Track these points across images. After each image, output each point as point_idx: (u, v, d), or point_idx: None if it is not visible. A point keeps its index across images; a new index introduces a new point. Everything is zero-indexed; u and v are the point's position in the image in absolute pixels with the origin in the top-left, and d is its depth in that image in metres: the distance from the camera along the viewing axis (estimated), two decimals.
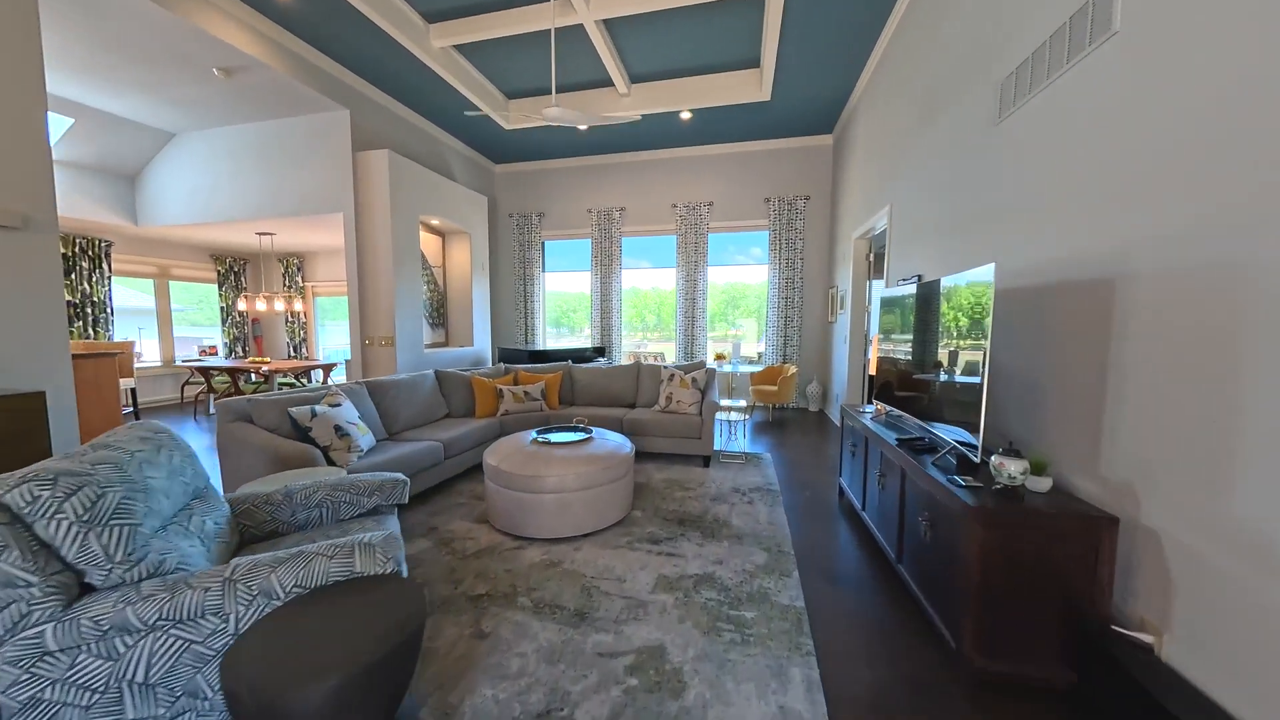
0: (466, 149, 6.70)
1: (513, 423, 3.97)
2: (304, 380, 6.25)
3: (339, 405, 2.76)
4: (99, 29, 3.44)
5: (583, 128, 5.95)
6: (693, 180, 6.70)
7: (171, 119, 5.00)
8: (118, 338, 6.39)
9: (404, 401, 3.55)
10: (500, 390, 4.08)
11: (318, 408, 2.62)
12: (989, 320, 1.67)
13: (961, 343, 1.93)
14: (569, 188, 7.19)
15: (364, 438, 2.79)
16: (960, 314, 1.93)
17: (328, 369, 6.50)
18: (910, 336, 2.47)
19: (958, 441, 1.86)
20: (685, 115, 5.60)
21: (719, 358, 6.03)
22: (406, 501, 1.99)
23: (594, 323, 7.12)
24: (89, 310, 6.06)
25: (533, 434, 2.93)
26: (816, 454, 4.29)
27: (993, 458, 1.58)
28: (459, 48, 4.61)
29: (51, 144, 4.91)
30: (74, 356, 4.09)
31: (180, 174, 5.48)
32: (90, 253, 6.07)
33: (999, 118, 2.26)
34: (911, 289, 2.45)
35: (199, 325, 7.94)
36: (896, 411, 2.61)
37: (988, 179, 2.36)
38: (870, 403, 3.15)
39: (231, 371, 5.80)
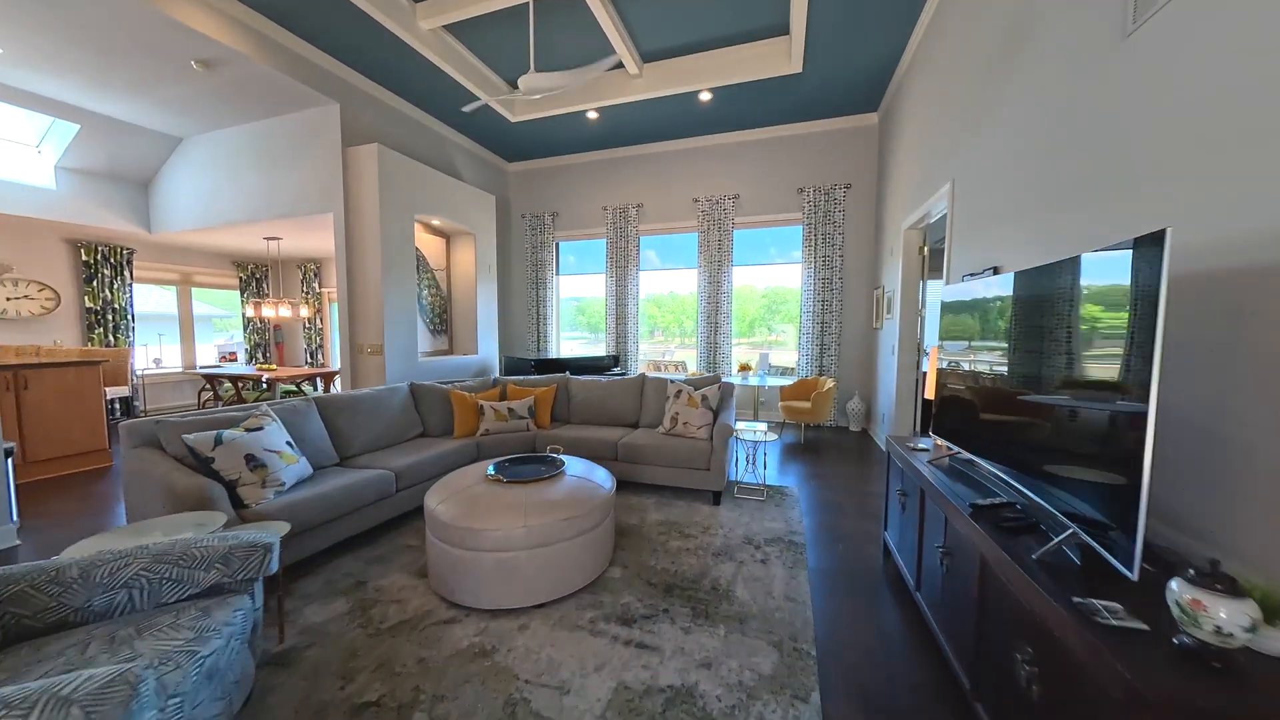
0: (477, 147, 6.36)
1: (492, 445, 3.46)
2: (303, 388, 6.04)
3: (259, 429, 2.32)
4: (56, 17, 3.24)
5: (592, 114, 5.44)
6: (716, 171, 6.04)
7: (169, 121, 4.89)
8: (139, 344, 6.46)
9: (363, 420, 3.10)
10: (481, 407, 3.58)
11: (227, 433, 2.18)
12: (1159, 320, 0.95)
13: (1096, 355, 1.20)
14: (583, 185, 6.71)
15: (289, 468, 2.33)
16: (1096, 310, 1.21)
17: (329, 376, 6.29)
18: (997, 346, 1.74)
19: (1080, 522, 1.14)
20: (705, 96, 4.98)
21: (743, 369, 5.32)
22: (273, 572, 1.48)
23: (609, 329, 6.57)
24: (109, 317, 6.12)
25: (490, 467, 2.38)
26: (856, 490, 3.51)
27: (1174, 584, 0.86)
28: (451, 29, 4.21)
29: (61, 150, 4.92)
30: (54, 365, 3.96)
31: (186, 179, 5.41)
32: (112, 260, 6.14)
33: (1132, 24, 1.50)
34: (999, 283, 1.72)
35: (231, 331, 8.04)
36: (965, 455, 1.87)
37: (1108, 123, 1.60)
38: (927, 435, 2.40)
39: (234, 379, 5.66)
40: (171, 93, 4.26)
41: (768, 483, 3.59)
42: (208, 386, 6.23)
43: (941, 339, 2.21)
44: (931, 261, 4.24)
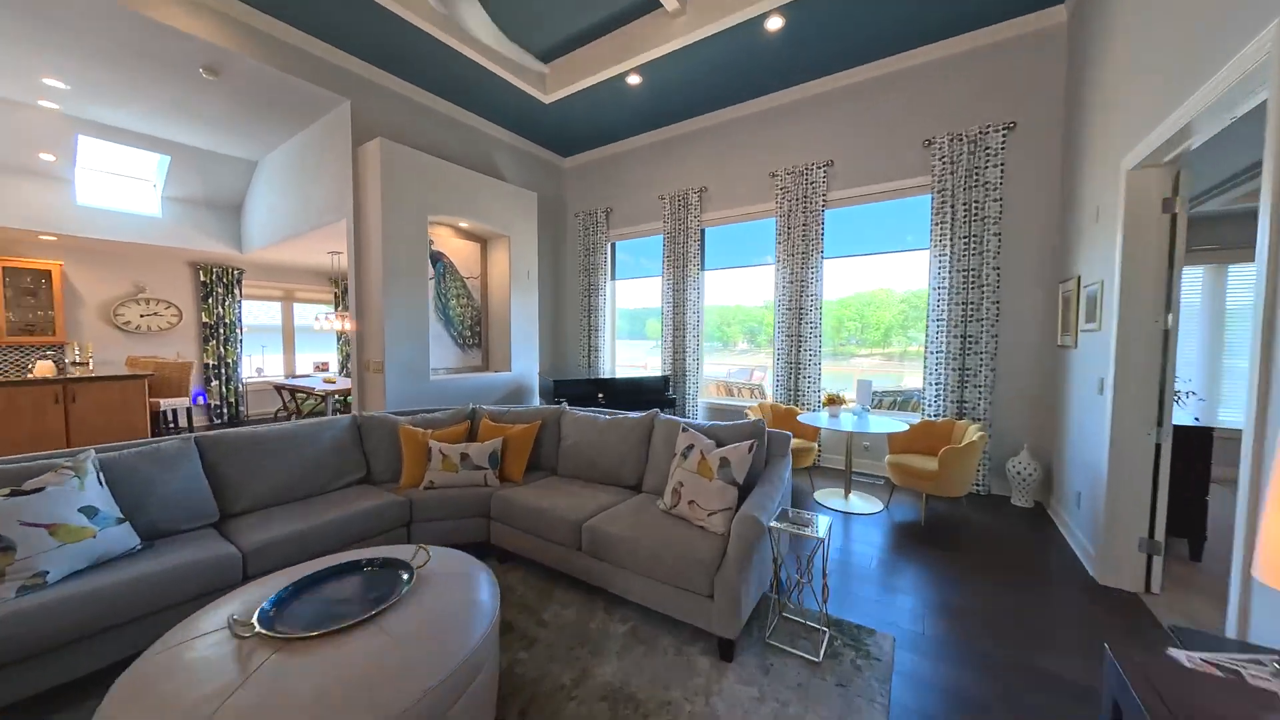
0: (523, 142, 5.76)
1: (431, 504, 2.56)
2: (348, 401, 5.94)
3: (39, 491, 1.69)
4: (69, 41, 3.24)
5: (633, 79, 4.38)
6: (799, 134, 4.54)
7: (234, 144, 5.09)
8: (246, 354, 7.14)
9: (270, 464, 2.43)
10: (430, 449, 2.72)
11: None
12: None
13: None
14: (638, 173, 5.69)
15: (70, 548, 1.66)
16: None
17: None
18: None
19: None
20: (773, 24, 3.60)
21: (831, 403, 3.72)
22: None
23: (664, 342, 5.41)
24: (221, 330, 6.82)
25: (270, 600, 1.42)
26: (1022, 664, 1.83)
27: None
28: None
29: (160, 181, 5.39)
30: (99, 379, 4.14)
31: (258, 200, 5.69)
32: (225, 280, 6.84)
33: None
34: None
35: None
36: None
37: None
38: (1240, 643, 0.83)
39: (293, 391, 5.76)
40: (206, 108, 4.29)
41: (834, 613, 2.09)
42: (301, 396, 6.54)
43: None
44: (1192, 233, 2.30)
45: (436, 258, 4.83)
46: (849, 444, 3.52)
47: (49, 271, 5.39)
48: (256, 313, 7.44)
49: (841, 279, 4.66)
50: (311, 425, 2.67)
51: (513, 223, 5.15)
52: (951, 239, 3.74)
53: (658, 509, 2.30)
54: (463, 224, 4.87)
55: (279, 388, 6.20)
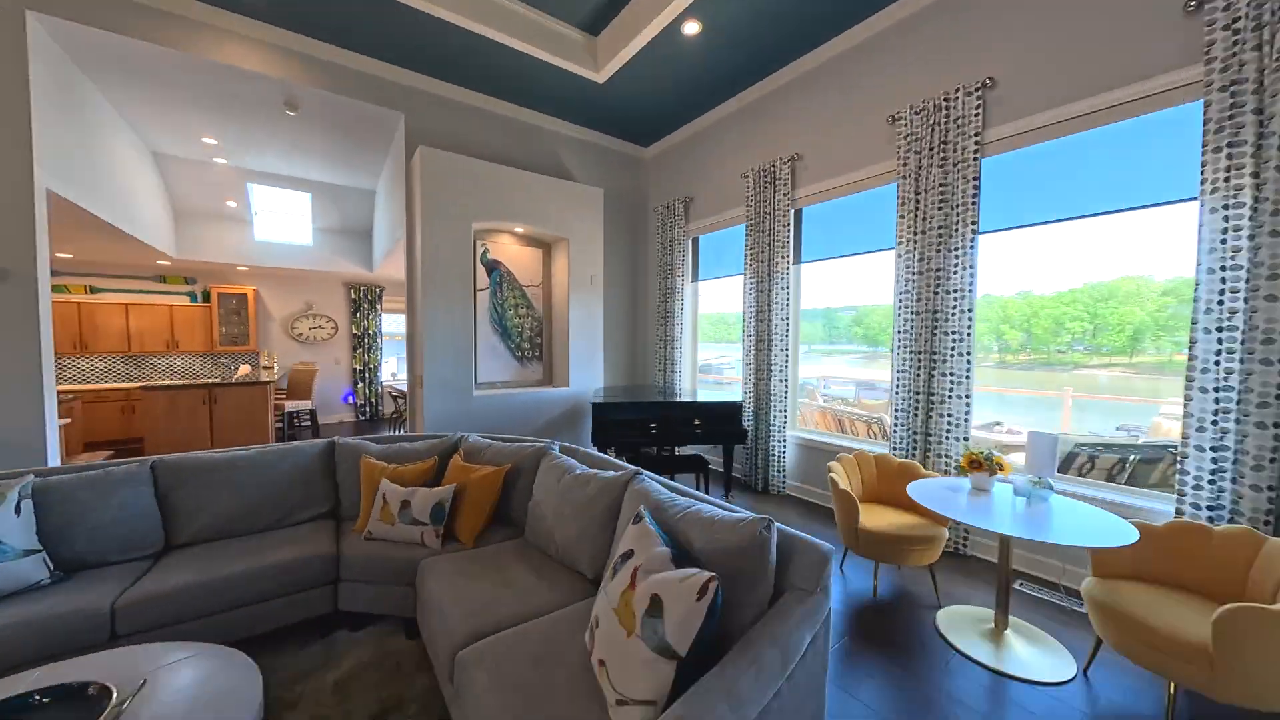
0: (598, 136, 5.27)
1: (360, 561, 2.11)
2: None
3: None
4: (178, 95, 3.76)
5: (690, 28, 3.48)
6: (931, 52, 3.04)
7: (345, 175, 5.67)
8: (386, 358, 8.17)
9: (219, 493, 2.26)
10: (377, 490, 2.29)
11: None
12: None
13: None
14: (720, 150, 4.71)
15: None
16: None
17: None
18: None
19: None
20: None
21: (974, 467, 2.25)
22: None
23: (745, 356, 4.30)
24: (365, 340, 7.89)
25: None
26: None
27: None
28: None
29: (310, 217, 6.31)
30: (225, 385, 4.86)
31: (377, 224, 6.32)
32: (369, 297, 7.91)
33: None
34: None
35: None
36: None
37: None
38: None
39: (398, 394, 6.22)
40: (311, 145, 4.77)
41: None
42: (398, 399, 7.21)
43: None
44: None
45: (493, 266, 4.61)
46: (1004, 544, 2.05)
47: (246, 295, 6.79)
48: (395, 325, 8.49)
49: (1060, 265, 3.03)
50: (275, 451, 2.48)
51: (573, 224, 4.67)
52: (1251, 181, 1.96)
53: (586, 636, 1.43)
54: (518, 229, 4.56)
55: (390, 392, 6.83)
